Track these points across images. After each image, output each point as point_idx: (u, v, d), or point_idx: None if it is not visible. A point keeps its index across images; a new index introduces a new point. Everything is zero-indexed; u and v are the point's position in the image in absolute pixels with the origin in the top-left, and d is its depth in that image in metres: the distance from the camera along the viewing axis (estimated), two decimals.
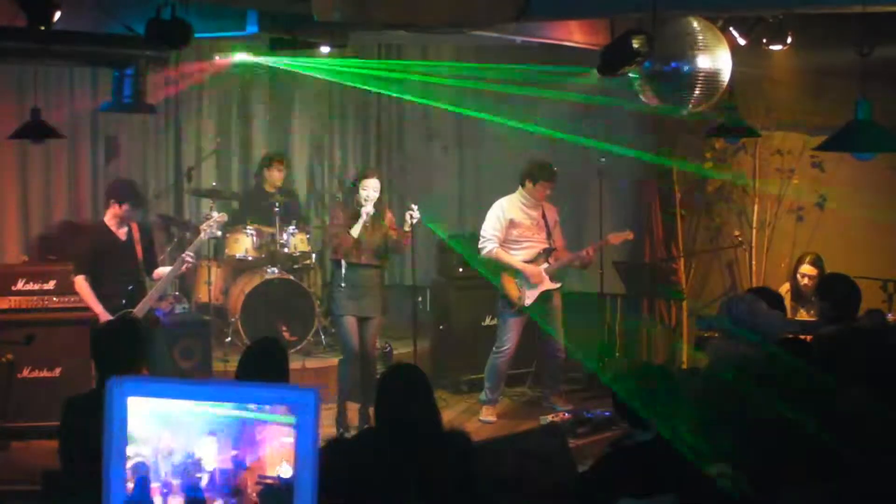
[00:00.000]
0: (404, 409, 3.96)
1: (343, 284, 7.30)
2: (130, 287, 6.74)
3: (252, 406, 2.24)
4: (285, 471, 2.21)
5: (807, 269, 7.35)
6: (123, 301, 6.66)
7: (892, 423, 4.47)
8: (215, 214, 7.36)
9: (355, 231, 7.20)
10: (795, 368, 4.36)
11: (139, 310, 6.68)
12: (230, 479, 2.27)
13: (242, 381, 4.92)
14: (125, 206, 6.71)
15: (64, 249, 7.96)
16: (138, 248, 6.82)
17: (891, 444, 4.32)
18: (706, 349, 5.82)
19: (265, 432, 2.24)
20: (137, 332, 5.00)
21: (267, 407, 2.23)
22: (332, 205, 9.12)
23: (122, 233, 6.77)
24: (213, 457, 2.26)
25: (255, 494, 2.24)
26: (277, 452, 2.23)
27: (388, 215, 7.47)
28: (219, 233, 7.41)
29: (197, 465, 2.26)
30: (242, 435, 2.24)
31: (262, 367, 4.90)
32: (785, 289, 7.49)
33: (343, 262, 7.30)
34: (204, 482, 2.26)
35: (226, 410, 2.24)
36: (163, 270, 6.92)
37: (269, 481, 2.23)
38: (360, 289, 7.30)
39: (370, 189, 7.25)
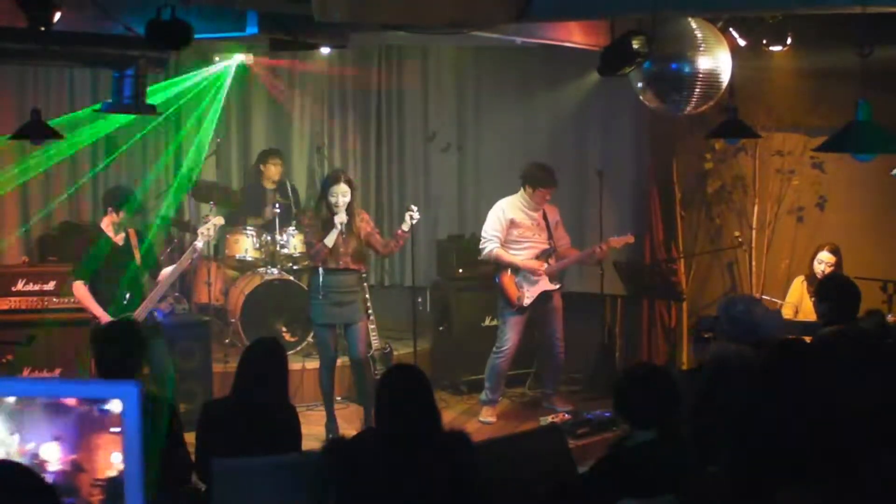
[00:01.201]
0: (404, 409, 3.96)
1: (322, 292, 7.19)
2: (129, 294, 6.76)
3: (95, 410, 2.49)
4: (115, 457, 2.46)
5: (825, 256, 7.40)
6: (123, 304, 6.67)
7: (891, 422, 4.47)
8: (212, 218, 7.37)
9: (329, 241, 7.11)
10: (794, 369, 4.36)
11: (139, 313, 6.68)
12: (69, 480, 2.51)
13: (242, 380, 4.93)
14: (121, 214, 6.75)
15: (64, 250, 7.97)
16: (136, 253, 6.84)
17: (890, 444, 4.32)
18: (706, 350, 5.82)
19: (102, 438, 2.47)
20: (137, 332, 5.00)
21: (113, 409, 2.46)
22: (306, 212, 8.94)
23: (119, 238, 6.80)
24: (56, 460, 2.51)
25: (90, 496, 2.49)
26: (112, 456, 2.48)
27: (364, 215, 7.40)
28: (213, 235, 7.41)
29: (41, 467, 2.50)
30: (81, 440, 2.49)
31: (262, 368, 4.91)
32: (799, 280, 7.51)
33: (321, 269, 7.19)
34: (48, 482, 2.49)
35: (70, 416, 2.50)
36: (166, 271, 6.93)
37: (103, 483, 2.48)
38: (341, 295, 7.22)
39: (339, 195, 7.13)
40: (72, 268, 6.83)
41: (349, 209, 7.17)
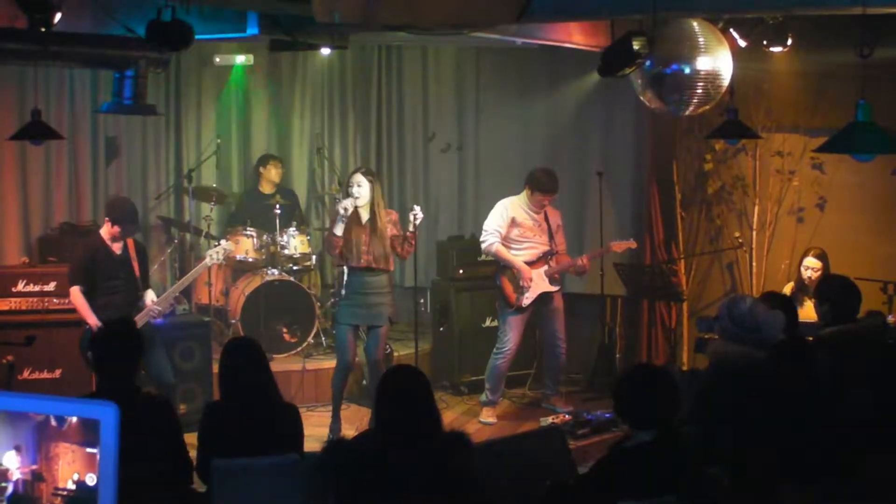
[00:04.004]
0: (404, 410, 3.96)
1: (345, 292, 7.20)
2: (127, 301, 6.76)
3: (53, 420, 2.50)
4: (90, 479, 2.47)
5: (811, 262, 7.39)
6: (114, 316, 6.64)
7: (891, 423, 4.47)
8: (223, 242, 7.41)
9: (338, 230, 7.05)
10: (794, 369, 4.36)
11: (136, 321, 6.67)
12: (30, 489, 2.53)
13: (222, 379, 4.94)
14: (116, 228, 6.74)
15: (64, 251, 7.97)
16: (135, 264, 6.83)
17: (890, 445, 4.32)
18: (706, 350, 5.83)
19: (59, 448, 2.49)
20: (135, 333, 4.99)
21: (71, 419, 2.47)
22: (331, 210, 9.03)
23: (116, 247, 6.79)
24: (16, 469, 2.52)
25: None
26: (70, 466, 2.49)
27: (392, 216, 7.31)
28: (222, 260, 7.44)
29: (3, 475, 2.52)
30: (41, 449, 2.51)
31: (239, 370, 4.90)
32: (789, 287, 7.51)
33: (345, 269, 7.21)
34: (9, 491, 2.53)
35: (29, 425, 2.52)
36: (150, 296, 6.92)
37: (64, 493, 2.49)
38: (365, 297, 7.15)
39: (355, 184, 7.11)
40: (70, 272, 6.83)
41: (373, 207, 7.12)
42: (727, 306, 4.90)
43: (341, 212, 7.05)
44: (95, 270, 6.71)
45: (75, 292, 6.70)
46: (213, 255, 7.15)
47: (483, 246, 7.72)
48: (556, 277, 7.76)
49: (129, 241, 6.87)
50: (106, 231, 6.78)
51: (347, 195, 7.18)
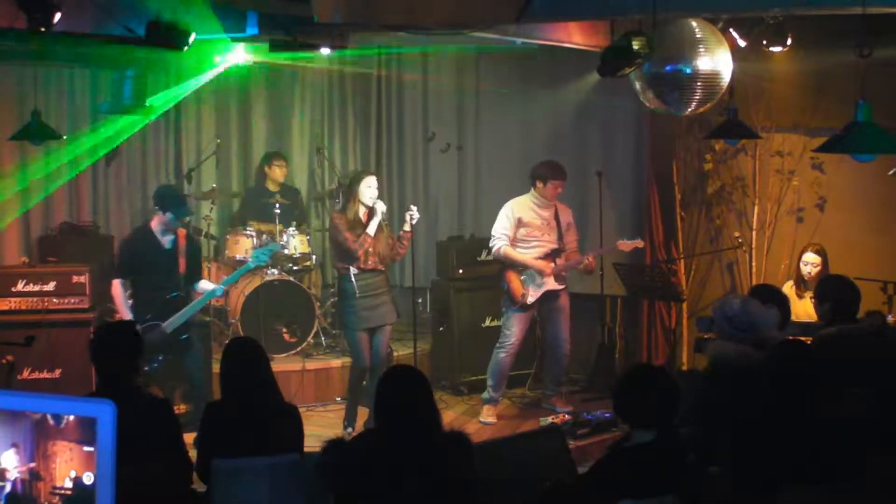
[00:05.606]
0: (403, 410, 3.97)
1: (357, 295, 7.12)
2: (174, 294, 6.75)
3: (50, 418, 2.49)
4: (87, 478, 2.46)
5: (810, 257, 7.39)
6: (153, 312, 6.66)
7: (892, 423, 4.47)
8: (271, 244, 7.61)
9: (371, 229, 7.07)
10: (794, 369, 4.35)
11: (169, 325, 6.66)
12: (28, 488, 2.53)
13: (223, 379, 4.93)
14: (167, 215, 6.71)
15: (64, 251, 7.97)
16: (181, 259, 6.82)
17: (890, 445, 4.32)
18: (705, 350, 5.83)
19: (57, 446, 2.48)
20: (135, 335, 4.99)
21: (68, 418, 2.46)
22: (332, 214, 8.98)
23: (165, 240, 6.77)
24: (14, 468, 2.51)
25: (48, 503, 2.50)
26: (67, 464, 2.48)
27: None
28: (268, 261, 7.50)
29: (1, 474, 2.52)
30: (38, 448, 2.51)
31: (240, 366, 4.91)
32: (789, 285, 7.51)
33: (351, 270, 7.14)
34: (7, 490, 2.54)
35: (26, 424, 2.50)
36: (205, 286, 6.93)
37: (61, 491, 2.48)
38: (373, 298, 7.18)
39: (373, 187, 7.17)
40: (114, 266, 6.83)
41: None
42: (720, 308, 4.90)
43: (380, 214, 7.08)
44: (139, 264, 6.70)
45: (116, 286, 6.75)
46: (260, 255, 7.20)
47: (492, 250, 7.75)
48: (562, 275, 7.76)
49: (181, 234, 6.85)
50: (156, 222, 6.77)
51: (349, 193, 7.20)
